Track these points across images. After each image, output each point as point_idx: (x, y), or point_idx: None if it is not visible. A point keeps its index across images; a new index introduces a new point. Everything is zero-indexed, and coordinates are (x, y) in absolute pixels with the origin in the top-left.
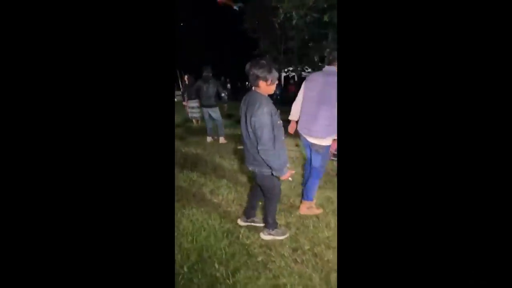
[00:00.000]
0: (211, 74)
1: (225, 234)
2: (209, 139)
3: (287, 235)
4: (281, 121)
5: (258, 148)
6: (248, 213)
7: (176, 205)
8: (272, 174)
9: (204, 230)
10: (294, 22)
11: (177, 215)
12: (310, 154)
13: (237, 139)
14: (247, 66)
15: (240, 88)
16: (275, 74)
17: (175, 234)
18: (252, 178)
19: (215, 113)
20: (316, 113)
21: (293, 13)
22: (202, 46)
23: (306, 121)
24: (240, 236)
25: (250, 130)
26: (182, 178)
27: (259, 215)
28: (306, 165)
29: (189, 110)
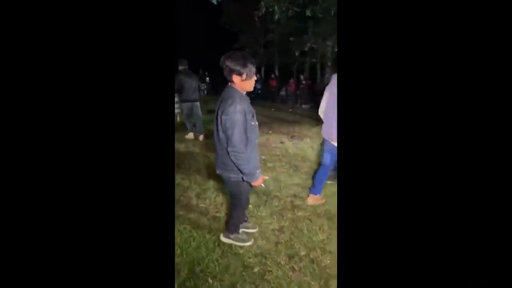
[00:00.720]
0: (187, 67)
1: (216, 244)
2: (190, 135)
3: (250, 243)
4: (257, 122)
5: (228, 149)
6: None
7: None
8: (242, 179)
9: (193, 241)
10: (276, 16)
11: None
12: (330, 158)
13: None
14: (222, 58)
15: (220, 82)
16: (251, 68)
17: None
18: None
19: (197, 108)
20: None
21: (275, 7)
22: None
23: (329, 126)
24: (233, 245)
25: (220, 128)
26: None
27: (250, 220)
28: (323, 170)
29: None
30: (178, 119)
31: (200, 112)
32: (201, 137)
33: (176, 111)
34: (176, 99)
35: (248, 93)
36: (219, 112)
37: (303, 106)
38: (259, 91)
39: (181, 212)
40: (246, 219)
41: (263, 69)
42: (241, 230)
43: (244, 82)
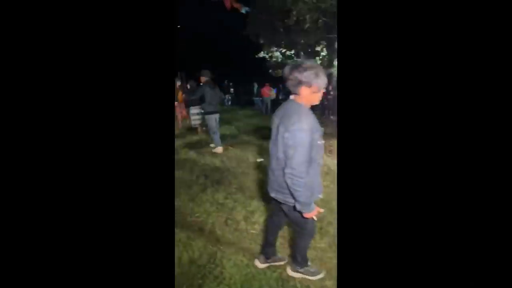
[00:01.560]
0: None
1: (279, 283)
2: (219, 149)
3: (322, 275)
4: (323, 141)
5: (285, 171)
6: (267, 251)
7: (207, 238)
8: (294, 208)
9: (253, 279)
10: (306, 26)
11: (216, 257)
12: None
13: (244, 148)
14: (286, 69)
15: (243, 93)
16: (323, 79)
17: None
18: (272, 207)
19: (217, 120)
20: None
21: (307, 17)
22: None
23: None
24: (298, 285)
25: (280, 148)
26: (206, 200)
27: (281, 251)
28: None
29: (192, 117)
30: (198, 131)
31: (218, 124)
32: (219, 149)
33: (197, 122)
34: (196, 110)
35: (272, 105)
36: (281, 129)
37: (331, 117)
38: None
39: (232, 239)
40: (275, 252)
41: None
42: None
43: (313, 95)
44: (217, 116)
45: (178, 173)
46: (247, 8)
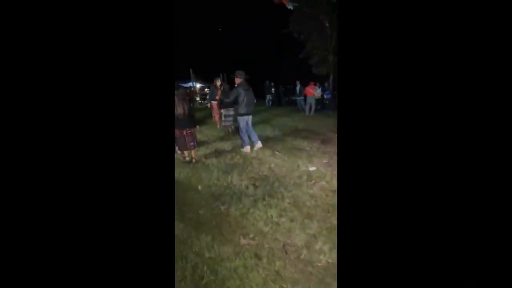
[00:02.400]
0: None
1: None
2: (247, 148)
3: None
4: None
5: None
6: None
7: (266, 271)
8: None
9: None
10: None
11: None
12: None
13: (291, 153)
14: None
15: (284, 93)
16: None
17: None
18: None
19: (250, 120)
20: None
21: None
22: (241, 48)
23: None
24: None
25: None
26: (259, 217)
27: None
28: None
29: (224, 118)
30: (230, 131)
31: (250, 126)
32: (247, 149)
33: (228, 123)
34: (230, 112)
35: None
36: None
37: None
38: (327, 102)
39: (295, 274)
40: None
41: (331, 77)
42: None
43: None
44: (249, 118)
45: (227, 180)
46: (295, 4)
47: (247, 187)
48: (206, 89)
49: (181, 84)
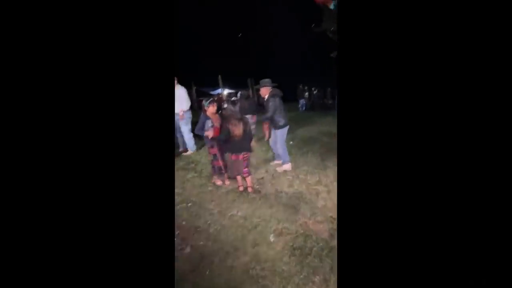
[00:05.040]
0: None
1: None
2: (289, 166)
3: None
4: None
5: None
6: None
7: None
8: None
9: None
10: None
11: None
12: None
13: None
14: None
15: (317, 97)
16: None
17: None
18: None
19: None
20: None
21: None
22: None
23: None
24: None
25: None
26: None
27: None
28: None
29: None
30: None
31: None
32: (288, 166)
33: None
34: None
35: None
36: None
37: None
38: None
39: None
40: None
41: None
42: None
43: None
44: (287, 128)
45: (300, 221)
46: (335, 2)
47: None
48: (233, 98)
49: (210, 92)
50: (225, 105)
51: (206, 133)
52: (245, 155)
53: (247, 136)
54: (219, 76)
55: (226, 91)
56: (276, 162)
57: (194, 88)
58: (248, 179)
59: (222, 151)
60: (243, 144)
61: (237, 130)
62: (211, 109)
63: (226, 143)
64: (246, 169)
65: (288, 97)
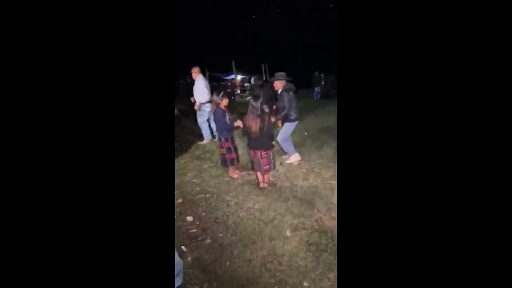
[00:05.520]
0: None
1: None
2: (297, 157)
3: None
4: None
5: None
6: None
7: None
8: None
9: None
10: None
11: None
12: None
13: None
14: None
15: (332, 84)
16: None
17: None
18: None
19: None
20: None
21: None
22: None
23: None
24: None
25: None
26: None
27: None
28: None
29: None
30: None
31: None
32: (294, 157)
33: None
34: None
35: None
36: None
37: None
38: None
39: None
40: None
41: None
42: None
43: None
44: (296, 123)
45: (316, 216)
46: None
47: None
48: (246, 84)
49: (223, 77)
50: (238, 91)
51: (237, 124)
52: (262, 153)
53: (265, 134)
54: (233, 62)
55: (239, 77)
56: (284, 156)
57: (207, 74)
58: (266, 175)
59: (235, 144)
60: (260, 142)
61: (254, 127)
62: (224, 102)
63: (247, 138)
64: (267, 166)
65: (302, 85)
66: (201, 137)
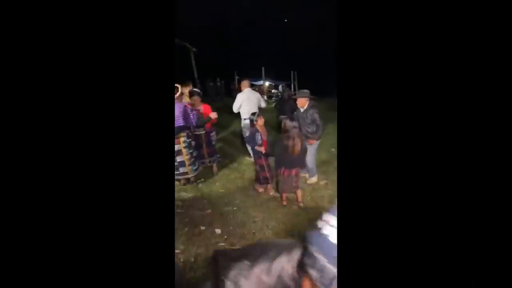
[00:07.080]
0: None
1: None
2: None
3: None
4: None
5: None
6: None
7: None
8: None
9: None
10: None
11: None
12: None
13: None
14: None
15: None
16: None
17: None
18: None
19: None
20: None
21: None
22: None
23: None
24: None
25: None
26: None
27: None
28: None
29: None
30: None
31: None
32: (315, 179)
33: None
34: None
35: None
36: None
37: None
38: None
39: None
40: None
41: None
42: None
43: None
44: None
45: None
46: None
47: None
48: (274, 90)
49: (252, 82)
50: (265, 97)
51: (258, 148)
52: (297, 170)
53: (302, 152)
54: (263, 68)
55: (267, 83)
56: (303, 174)
57: (236, 78)
58: (298, 192)
59: (268, 162)
60: (298, 160)
61: (297, 147)
62: (259, 122)
63: (280, 157)
64: (297, 183)
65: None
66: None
